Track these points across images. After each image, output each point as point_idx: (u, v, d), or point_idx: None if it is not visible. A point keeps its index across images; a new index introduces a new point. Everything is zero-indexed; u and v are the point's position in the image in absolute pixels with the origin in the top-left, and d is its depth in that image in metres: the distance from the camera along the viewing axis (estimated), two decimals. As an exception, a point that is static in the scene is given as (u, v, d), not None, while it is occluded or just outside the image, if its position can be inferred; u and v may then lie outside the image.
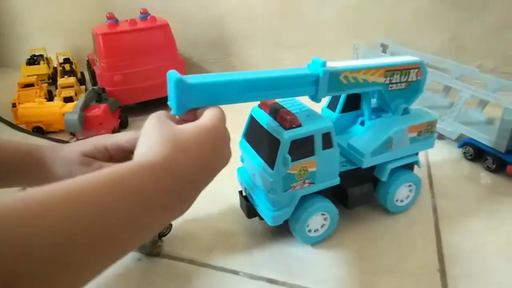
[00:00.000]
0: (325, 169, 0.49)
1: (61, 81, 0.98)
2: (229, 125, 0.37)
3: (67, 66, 1.13)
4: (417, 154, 0.57)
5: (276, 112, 0.47)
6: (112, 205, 0.23)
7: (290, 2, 1.07)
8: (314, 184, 0.49)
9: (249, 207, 0.53)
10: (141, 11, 0.96)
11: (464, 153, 0.72)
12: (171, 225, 0.53)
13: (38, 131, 0.87)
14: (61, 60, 1.21)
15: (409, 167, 0.58)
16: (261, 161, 0.48)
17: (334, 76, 0.47)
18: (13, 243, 0.18)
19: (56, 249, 0.19)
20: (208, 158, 0.31)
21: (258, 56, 1.17)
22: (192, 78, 0.38)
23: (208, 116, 0.35)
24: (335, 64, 0.48)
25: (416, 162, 0.57)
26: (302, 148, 0.46)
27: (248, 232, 0.55)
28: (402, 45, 0.94)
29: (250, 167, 0.52)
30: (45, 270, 0.19)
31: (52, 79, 1.19)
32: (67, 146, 0.43)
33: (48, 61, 1.24)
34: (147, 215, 0.26)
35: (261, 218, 0.54)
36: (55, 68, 1.24)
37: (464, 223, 0.56)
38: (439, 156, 0.72)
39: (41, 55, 1.25)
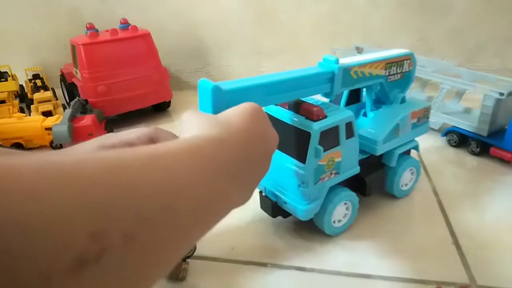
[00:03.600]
0: (348, 158, 0.50)
1: (37, 95, 0.93)
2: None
3: (38, 82, 1.07)
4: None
5: (298, 107, 0.47)
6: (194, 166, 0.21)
7: (266, 11, 1.11)
8: (339, 174, 0.50)
9: (274, 206, 0.52)
10: (121, 21, 0.94)
11: (449, 140, 0.77)
12: (195, 245, 0.49)
13: (18, 147, 0.82)
14: (30, 77, 1.15)
15: (408, 153, 0.61)
16: (286, 157, 0.49)
17: (346, 72, 0.49)
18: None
19: (164, 208, 0.18)
20: (258, 131, 0.30)
21: (236, 64, 1.19)
22: (224, 85, 0.39)
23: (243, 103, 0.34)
24: (343, 60, 0.50)
25: (416, 147, 0.61)
26: (329, 138, 0.47)
27: (265, 227, 0.56)
28: (375, 48, 1.00)
29: (271, 165, 0.53)
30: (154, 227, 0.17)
31: (19, 96, 1.13)
32: (66, 150, 0.40)
33: (13, 78, 1.18)
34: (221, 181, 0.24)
35: (285, 216, 0.54)
36: (21, 86, 1.17)
37: (464, 201, 0.60)
38: (426, 145, 0.77)
39: (6, 72, 1.18)
